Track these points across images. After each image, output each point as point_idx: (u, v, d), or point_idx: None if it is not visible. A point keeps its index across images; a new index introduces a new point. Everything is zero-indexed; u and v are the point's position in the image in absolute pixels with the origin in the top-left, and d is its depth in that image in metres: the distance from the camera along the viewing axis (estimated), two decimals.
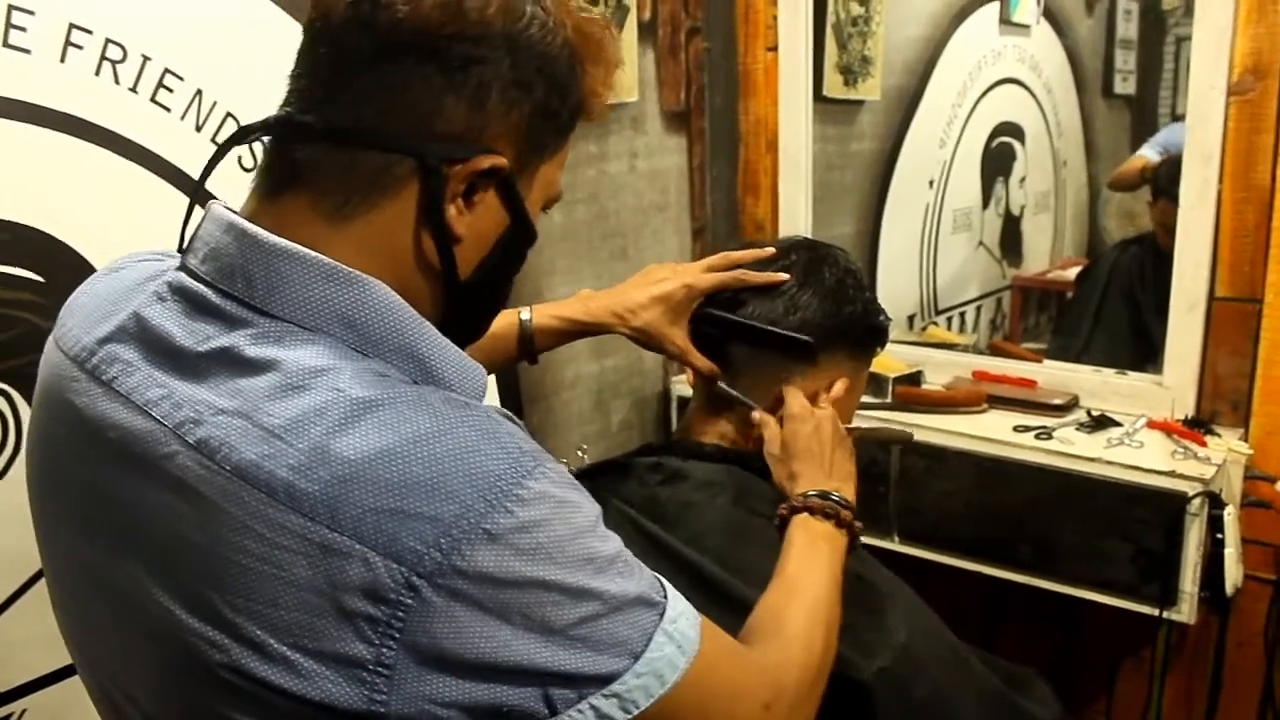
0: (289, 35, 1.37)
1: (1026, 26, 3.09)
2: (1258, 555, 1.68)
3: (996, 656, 1.26)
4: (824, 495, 1.08)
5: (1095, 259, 3.00)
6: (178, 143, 1.28)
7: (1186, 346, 1.70)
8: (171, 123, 1.28)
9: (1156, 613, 1.57)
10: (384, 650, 0.60)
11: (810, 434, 1.14)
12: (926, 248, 2.84)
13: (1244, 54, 1.57)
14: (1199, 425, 1.68)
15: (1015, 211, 3.21)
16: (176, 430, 0.66)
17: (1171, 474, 1.54)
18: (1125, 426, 1.70)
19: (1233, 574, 1.55)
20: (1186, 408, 1.72)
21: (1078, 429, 1.72)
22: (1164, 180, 2.35)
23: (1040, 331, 3.25)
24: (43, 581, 1.20)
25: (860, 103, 2.48)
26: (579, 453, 1.96)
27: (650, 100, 2.04)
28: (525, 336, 1.26)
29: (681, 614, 0.71)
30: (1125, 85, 3.48)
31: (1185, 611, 1.55)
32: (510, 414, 0.71)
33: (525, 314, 1.26)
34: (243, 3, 1.33)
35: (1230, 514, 1.53)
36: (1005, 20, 2.97)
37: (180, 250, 0.76)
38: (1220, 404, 1.70)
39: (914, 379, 1.96)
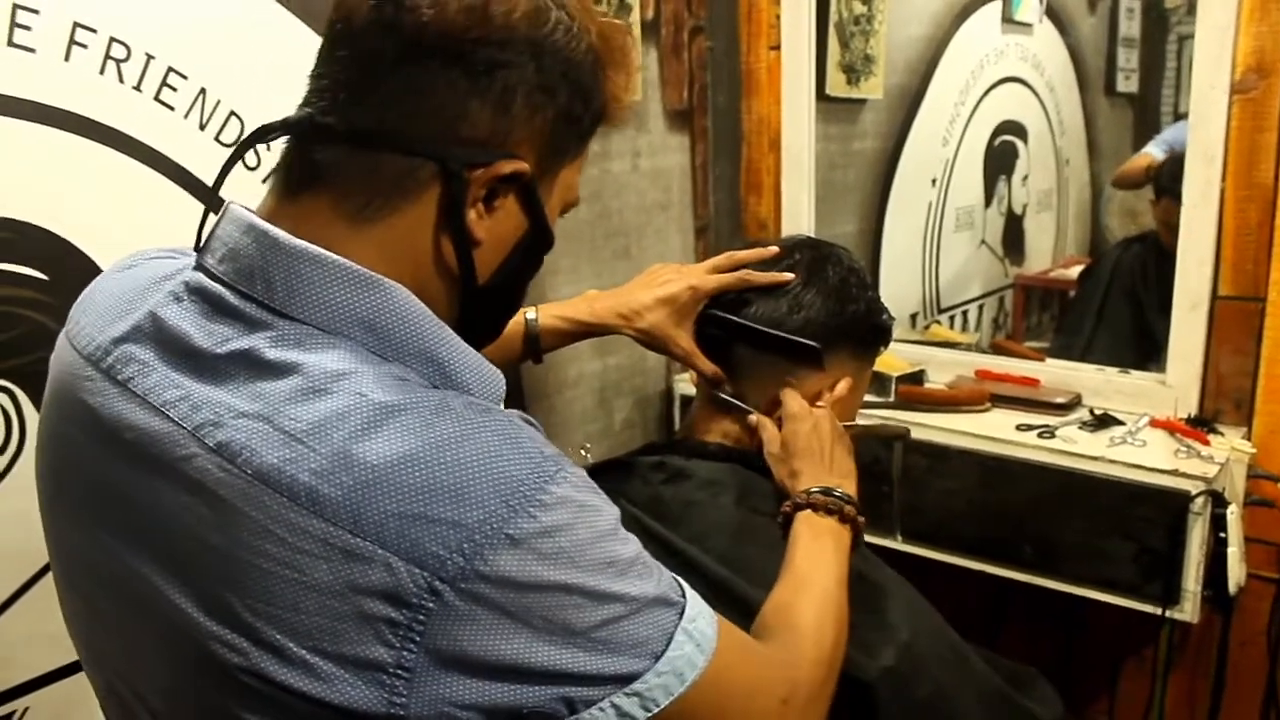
0: (292, 35, 1.38)
1: (1029, 25, 3.09)
2: (1261, 554, 1.68)
3: (999, 655, 1.26)
4: (827, 491, 1.09)
5: (1098, 257, 2.99)
6: (182, 141, 1.29)
7: (1189, 345, 1.70)
8: (175, 121, 1.28)
9: (1159, 612, 1.56)
10: (405, 654, 0.60)
11: (809, 432, 1.15)
12: (929, 246, 2.84)
13: (1246, 52, 1.57)
14: (1202, 424, 1.67)
15: (1018, 210, 3.21)
16: (195, 432, 0.65)
17: (1174, 473, 1.54)
18: (1128, 425, 1.70)
19: (1236, 573, 1.55)
20: (1189, 406, 1.72)
21: (1080, 428, 1.72)
22: (1166, 179, 2.35)
23: (1043, 330, 3.25)
24: (45, 580, 1.21)
25: (863, 101, 2.48)
26: (582, 451, 1.96)
27: (653, 99, 2.05)
28: (531, 337, 1.26)
29: (700, 613, 0.71)
30: (1128, 84, 3.48)
31: (1188, 610, 1.55)
32: (530, 418, 0.71)
33: (531, 314, 1.26)
34: (246, 2, 1.34)
35: (1233, 513, 1.53)
36: (1007, 19, 2.97)
37: (196, 249, 0.76)
38: (1223, 403, 1.70)
39: (917, 378, 1.96)
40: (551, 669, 0.63)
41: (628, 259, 2.02)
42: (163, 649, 0.68)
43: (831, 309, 1.20)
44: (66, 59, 1.17)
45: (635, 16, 1.94)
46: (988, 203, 3.09)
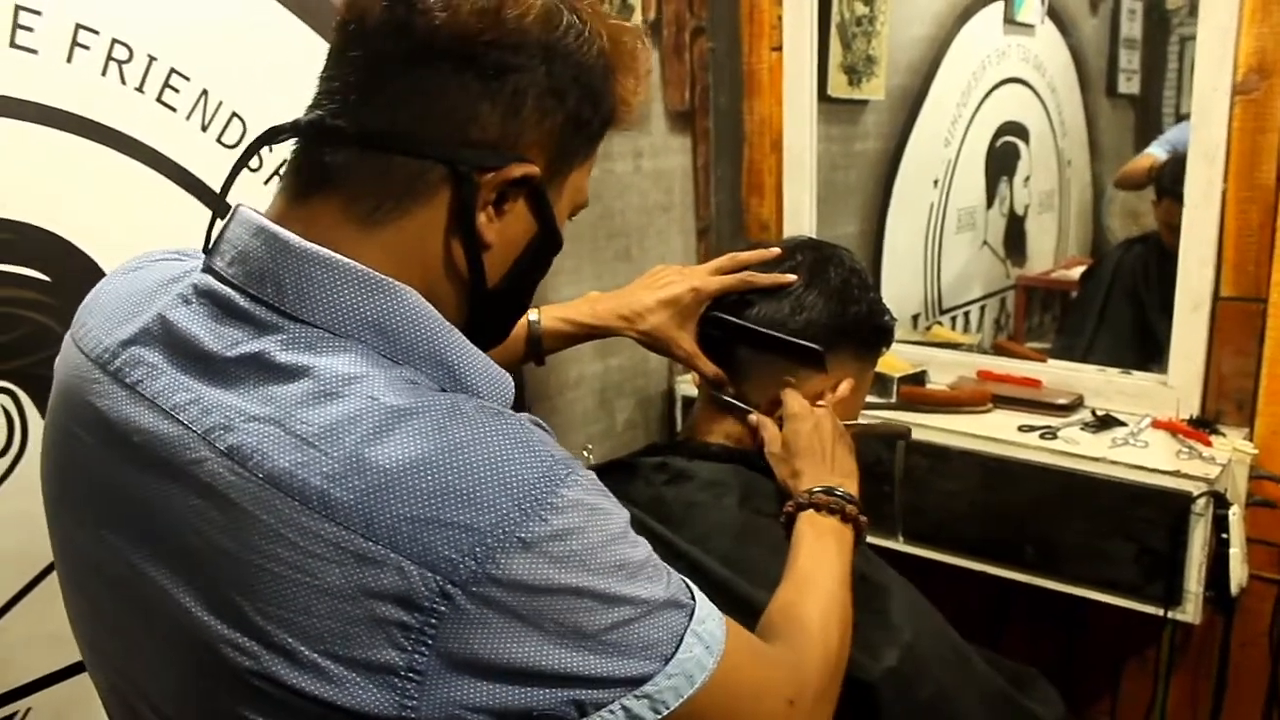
0: (294, 36, 1.38)
1: (1031, 26, 3.09)
2: (1263, 555, 1.68)
3: (1000, 656, 1.26)
4: (829, 491, 1.09)
5: (1099, 258, 3.00)
6: (184, 143, 1.29)
7: (1191, 346, 1.70)
8: (178, 123, 1.28)
9: (1161, 613, 1.56)
10: (416, 657, 0.60)
11: (810, 432, 1.15)
12: (931, 247, 2.84)
13: (1248, 53, 1.57)
14: (1204, 425, 1.67)
15: (1019, 211, 3.21)
16: (205, 436, 0.65)
17: (1176, 474, 1.54)
18: (1130, 426, 1.70)
19: (1238, 574, 1.55)
20: (1191, 407, 1.71)
21: (1082, 429, 1.72)
22: (1168, 179, 2.35)
23: (1044, 331, 3.26)
24: (47, 581, 1.21)
25: (865, 102, 2.48)
26: (584, 452, 1.96)
27: (655, 100, 2.04)
28: (533, 339, 1.26)
29: (709, 615, 0.72)
30: (1129, 85, 3.48)
31: (1190, 611, 1.55)
32: (540, 421, 0.72)
33: (533, 316, 1.26)
34: (248, 3, 1.34)
35: (1235, 514, 1.53)
36: (1010, 20, 2.97)
37: (204, 251, 0.75)
38: (1225, 403, 1.70)
39: (918, 379, 1.96)
40: (562, 672, 0.63)
41: (629, 260, 2.02)
42: (170, 651, 0.68)
43: (833, 310, 1.20)
44: (68, 60, 1.17)
45: (637, 17, 1.94)
46: (989, 204, 3.09)
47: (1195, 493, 1.51)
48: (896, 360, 1.95)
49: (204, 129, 1.31)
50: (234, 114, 1.33)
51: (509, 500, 0.61)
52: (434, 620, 0.60)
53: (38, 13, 1.13)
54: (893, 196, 2.66)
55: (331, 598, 0.60)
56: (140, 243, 0.89)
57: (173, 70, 1.26)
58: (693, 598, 0.72)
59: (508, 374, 0.76)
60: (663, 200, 2.10)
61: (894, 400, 1.89)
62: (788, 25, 2.08)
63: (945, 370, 2.00)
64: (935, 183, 2.83)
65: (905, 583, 1.18)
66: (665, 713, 0.66)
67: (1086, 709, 1.95)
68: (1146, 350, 2.32)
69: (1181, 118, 3.18)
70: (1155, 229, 2.55)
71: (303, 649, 0.61)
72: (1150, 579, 1.56)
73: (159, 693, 0.71)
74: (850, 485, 1.13)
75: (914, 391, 1.90)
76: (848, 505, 1.08)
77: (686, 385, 2.11)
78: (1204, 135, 1.62)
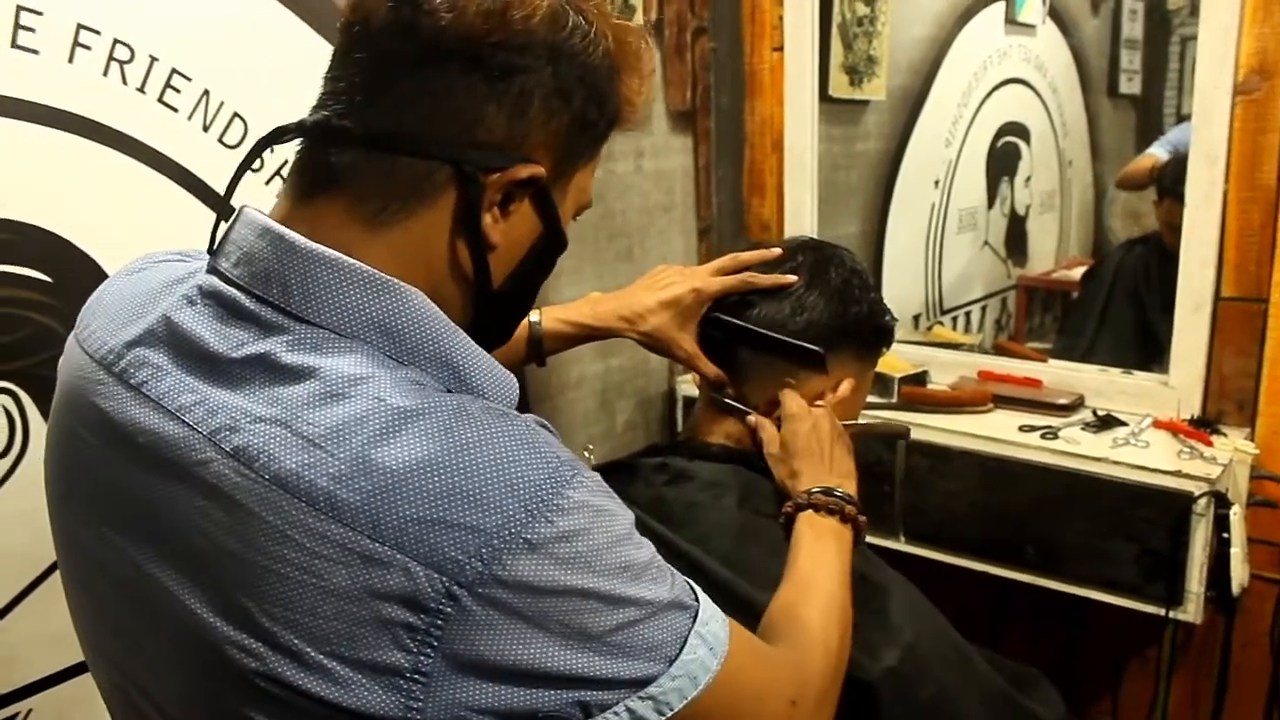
0: (296, 36, 1.38)
1: (1032, 26, 3.09)
2: (1264, 555, 1.68)
3: (1001, 656, 1.26)
4: (827, 491, 1.09)
5: (1100, 259, 3.00)
6: (185, 143, 1.29)
7: (1192, 346, 1.70)
8: (179, 123, 1.28)
9: (1162, 613, 1.56)
10: (422, 658, 0.60)
11: (809, 432, 1.15)
12: (932, 248, 2.84)
13: (1249, 54, 1.57)
14: (1205, 425, 1.67)
15: (1020, 211, 3.21)
16: (211, 437, 0.65)
17: (1177, 474, 1.54)
18: (1131, 426, 1.70)
19: (1239, 574, 1.55)
20: (1192, 407, 1.71)
21: (1083, 429, 1.72)
22: (1169, 180, 2.35)
23: (1045, 331, 3.26)
24: (49, 582, 1.21)
25: (865, 103, 2.48)
26: (585, 453, 1.96)
27: (656, 100, 2.04)
28: (534, 340, 1.26)
29: (713, 616, 0.72)
30: (1130, 85, 3.48)
31: (1191, 611, 1.55)
32: (546, 422, 0.72)
33: (534, 317, 1.26)
34: (250, 4, 1.34)
35: (1236, 514, 1.53)
36: (1011, 20, 2.97)
37: (210, 252, 0.75)
38: (1226, 404, 1.70)
39: (919, 379, 1.96)
40: (568, 673, 0.63)
41: (630, 261, 2.02)
42: (175, 652, 0.68)
43: (834, 310, 1.20)
44: (70, 61, 1.17)
45: (639, 18, 1.94)
46: (990, 204, 3.09)
47: (1196, 493, 1.51)
48: (897, 360, 1.95)
49: (205, 129, 1.31)
50: (235, 114, 1.33)
51: (515, 502, 0.61)
52: (440, 622, 0.60)
53: (39, 13, 1.14)
54: (894, 197, 2.66)
55: (337, 599, 0.60)
56: (141, 243, 0.89)
57: (174, 70, 1.27)
58: (696, 599, 0.72)
59: (512, 375, 0.76)
60: (664, 200, 2.10)
61: (895, 400, 1.89)
62: (789, 25, 2.08)
63: (946, 370, 2.00)
64: (936, 183, 2.83)
65: (905, 582, 1.18)
66: (669, 714, 0.66)
67: (1087, 709, 1.95)
68: (1147, 350, 2.32)
69: (1183, 118, 3.17)
70: (1156, 229, 2.55)
71: (309, 650, 0.61)
72: (1151, 579, 1.56)
73: (163, 693, 0.71)
74: (849, 485, 1.13)
75: (915, 392, 1.90)
76: (846, 506, 1.08)
77: (687, 386, 2.11)
78: (1205, 136, 1.62)
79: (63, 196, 1.19)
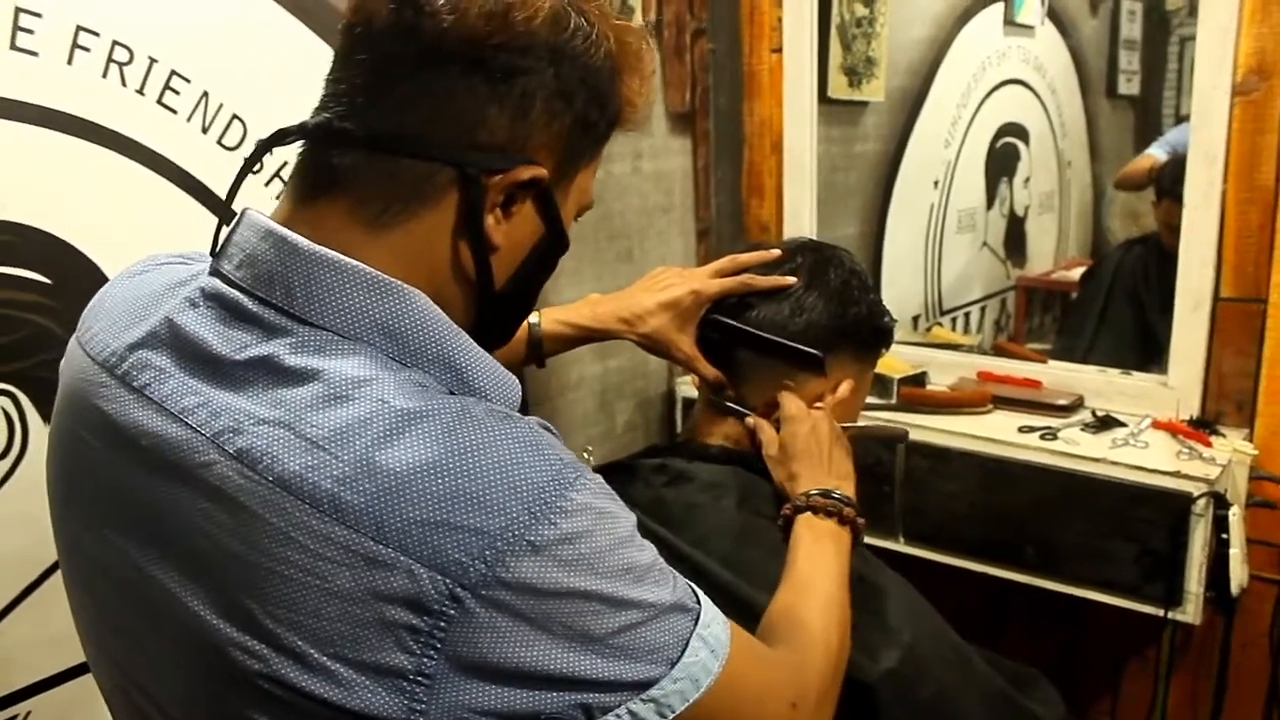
0: (295, 38, 1.38)
1: (1031, 27, 3.09)
2: (1263, 555, 1.68)
3: (1001, 657, 1.26)
4: (826, 494, 1.09)
5: (1099, 259, 3.00)
6: (185, 145, 1.29)
7: (1191, 347, 1.70)
8: (178, 125, 1.28)
9: (1161, 613, 1.56)
10: (425, 660, 0.60)
11: (808, 434, 1.15)
12: (931, 249, 2.85)
13: (1248, 54, 1.57)
14: (1204, 425, 1.67)
15: (1020, 212, 3.21)
16: (214, 439, 0.65)
17: (1176, 474, 1.54)
18: (1130, 427, 1.70)
19: (1238, 574, 1.55)
20: (1191, 408, 1.71)
21: (1082, 429, 1.72)
22: (1168, 180, 2.35)
23: (1045, 332, 3.26)
24: (49, 583, 1.21)
25: (865, 104, 2.48)
26: (584, 454, 1.96)
27: (655, 101, 2.04)
28: (534, 341, 1.26)
29: (714, 619, 0.72)
30: (1129, 86, 3.48)
31: (1190, 612, 1.55)
32: (548, 424, 0.72)
33: (534, 319, 1.26)
34: (249, 5, 1.34)
35: (1235, 514, 1.53)
36: (1010, 21, 2.97)
37: (212, 254, 0.75)
38: (1225, 404, 1.70)
39: (919, 380, 1.96)
40: (570, 675, 0.63)
41: (629, 262, 2.02)
42: (178, 654, 0.68)
43: (833, 312, 1.20)
44: (69, 62, 1.17)
45: (637, 19, 1.94)
46: (989, 205, 3.09)
47: (1195, 493, 1.51)
48: (897, 361, 1.95)
49: (204, 131, 1.31)
50: (235, 116, 1.33)
51: (518, 504, 0.62)
52: (443, 624, 0.60)
53: (38, 15, 1.14)
54: (893, 198, 2.66)
55: (341, 601, 0.60)
56: (141, 245, 0.89)
57: (173, 72, 1.27)
58: (698, 602, 0.72)
59: (515, 377, 0.76)
60: (663, 202, 2.10)
61: (894, 401, 1.89)
62: (788, 27, 2.08)
63: (945, 371, 2.00)
64: (935, 184, 2.83)
65: (904, 583, 1.18)
66: (671, 716, 0.67)
67: (1087, 709, 1.95)
68: (1147, 351, 2.32)
69: (1181, 119, 3.18)
70: (1155, 230, 2.55)
71: (312, 652, 0.61)
72: (1150, 579, 1.56)
73: (166, 695, 0.71)
74: (847, 487, 1.13)
75: (914, 393, 1.90)
76: (845, 508, 1.08)
77: (686, 387, 2.11)
78: (1204, 136, 1.62)
79: (62, 198, 1.19)
